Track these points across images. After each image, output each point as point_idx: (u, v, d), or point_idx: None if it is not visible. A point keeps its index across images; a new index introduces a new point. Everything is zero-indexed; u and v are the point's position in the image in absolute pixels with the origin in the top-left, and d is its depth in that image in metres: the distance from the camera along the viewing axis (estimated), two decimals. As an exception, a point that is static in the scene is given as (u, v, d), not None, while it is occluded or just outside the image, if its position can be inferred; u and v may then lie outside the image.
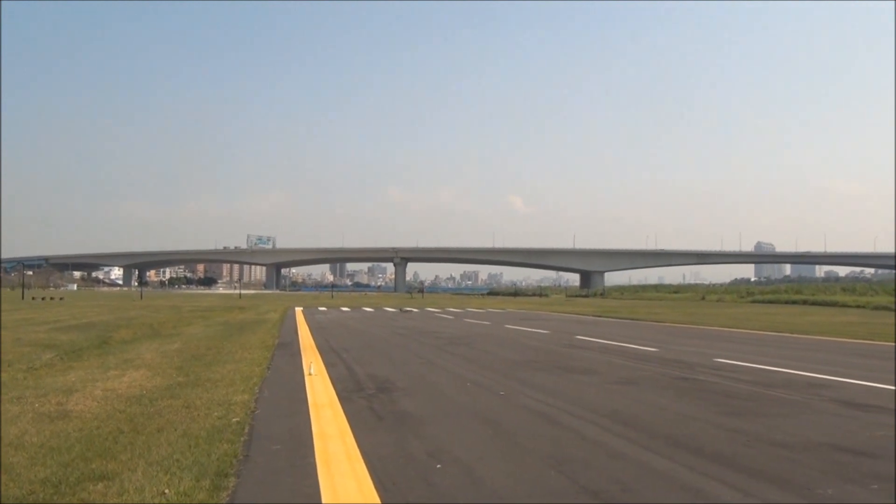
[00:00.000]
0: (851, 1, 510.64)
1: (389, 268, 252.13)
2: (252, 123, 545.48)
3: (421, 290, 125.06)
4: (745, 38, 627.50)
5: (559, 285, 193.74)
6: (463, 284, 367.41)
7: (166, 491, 4.33)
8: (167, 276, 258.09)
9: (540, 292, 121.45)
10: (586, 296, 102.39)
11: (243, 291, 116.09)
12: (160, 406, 7.39)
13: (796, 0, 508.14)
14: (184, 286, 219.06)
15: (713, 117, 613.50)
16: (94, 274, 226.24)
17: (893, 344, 16.27)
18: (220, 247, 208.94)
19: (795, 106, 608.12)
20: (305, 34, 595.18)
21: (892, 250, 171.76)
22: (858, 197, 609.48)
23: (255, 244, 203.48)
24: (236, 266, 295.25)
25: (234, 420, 6.56)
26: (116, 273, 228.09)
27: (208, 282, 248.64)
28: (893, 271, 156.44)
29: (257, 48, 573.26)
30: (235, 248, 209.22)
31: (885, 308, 41.64)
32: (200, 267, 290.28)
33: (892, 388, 8.93)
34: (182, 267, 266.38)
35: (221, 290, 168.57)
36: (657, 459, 5.17)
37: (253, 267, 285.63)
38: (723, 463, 5.07)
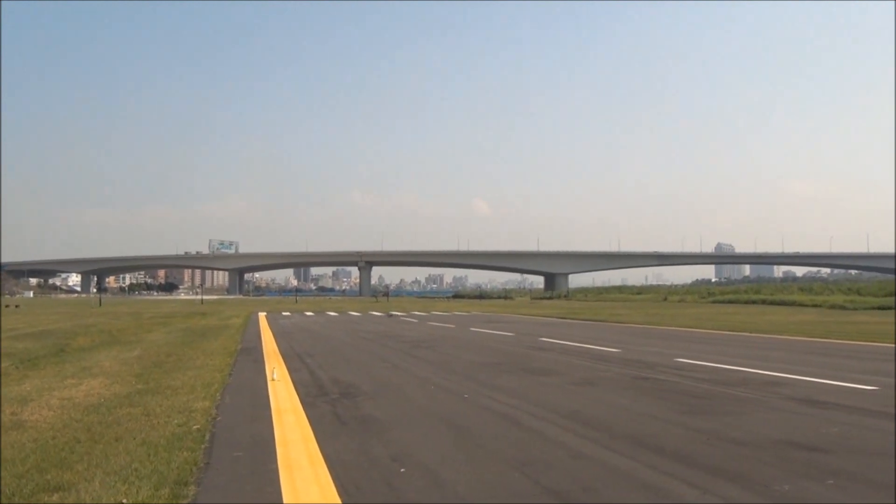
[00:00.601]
0: (803, 2, 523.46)
1: (354, 272, 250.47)
2: (213, 127, 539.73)
3: (386, 294, 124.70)
4: (701, 40, 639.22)
5: (524, 288, 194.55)
6: (428, 287, 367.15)
7: (124, 501, 4.26)
8: (127, 282, 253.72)
9: (505, 295, 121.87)
10: (551, 298, 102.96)
11: (205, 297, 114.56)
12: (118, 414, 7.26)
13: (749, 1, 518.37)
14: (144, 292, 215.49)
15: (674, 121, 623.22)
16: (51, 280, 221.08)
17: (856, 343, 16.67)
18: (182, 252, 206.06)
19: (754, 108, 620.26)
20: (267, 38, 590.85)
21: (848, 250, 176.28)
22: (814, 198, 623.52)
23: (218, 249, 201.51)
24: (198, 271, 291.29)
25: (194, 427, 6.47)
26: (74, 279, 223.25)
27: (169, 287, 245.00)
28: (877, 273, 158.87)
29: (217, 51, 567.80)
30: (198, 253, 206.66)
31: (841, 307, 42.69)
32: (161, 273, 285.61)
33: (847, 384, 9.14)
34: (142, 273, 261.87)
35: (183, 296, 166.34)
36: (618, 459, 5.23)
37: (215, 272, 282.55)
38: (683, 461, 5.14)
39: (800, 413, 7.19)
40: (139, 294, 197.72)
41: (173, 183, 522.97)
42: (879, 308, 41.36)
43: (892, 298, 46.92)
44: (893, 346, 15.22)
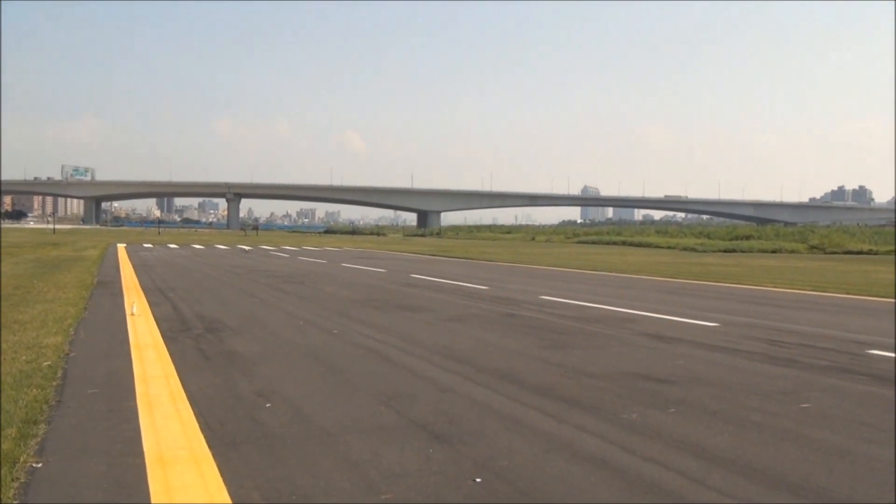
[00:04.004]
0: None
1: (222, 203, 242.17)
2: (58, 37, 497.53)
3: (255, 228, 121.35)
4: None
5: (397, 224, 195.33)
6: (300, 222, 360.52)
7: (-36, 442, 3.99)
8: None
9: (378, 231, 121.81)
10: (423, 235, 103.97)
11: (58, 226, 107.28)
12: (-43, 351, 6.75)
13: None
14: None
15: (544, 66, 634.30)
16: None
17: (702, 282, 17.91)
18: (31, 177, 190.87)
19: (618, 60, 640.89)
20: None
21: (702, 196, 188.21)
22: (672, 147, 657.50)
23: (71, 175, 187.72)
24: (50, 199, 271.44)
25: (44, 364, 6.13)
26: None
27: (17, 215, 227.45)
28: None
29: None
30: (48, 179, 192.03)
31: (692, 249, 45.76)
32: (7, 199, 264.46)
33: (692, 321, 9.85)
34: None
35: (33, 225, 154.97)
36: (482, 392, 5.42)
37: (69, 200, 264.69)
38: (542, 393, 5.40)
39: (649, 347, 7.70)
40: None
41: (14, 99, 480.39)
42: (725, 251, 44.69)
43: (738, 242, 50.78)
44: (744, 287, 16.57)
